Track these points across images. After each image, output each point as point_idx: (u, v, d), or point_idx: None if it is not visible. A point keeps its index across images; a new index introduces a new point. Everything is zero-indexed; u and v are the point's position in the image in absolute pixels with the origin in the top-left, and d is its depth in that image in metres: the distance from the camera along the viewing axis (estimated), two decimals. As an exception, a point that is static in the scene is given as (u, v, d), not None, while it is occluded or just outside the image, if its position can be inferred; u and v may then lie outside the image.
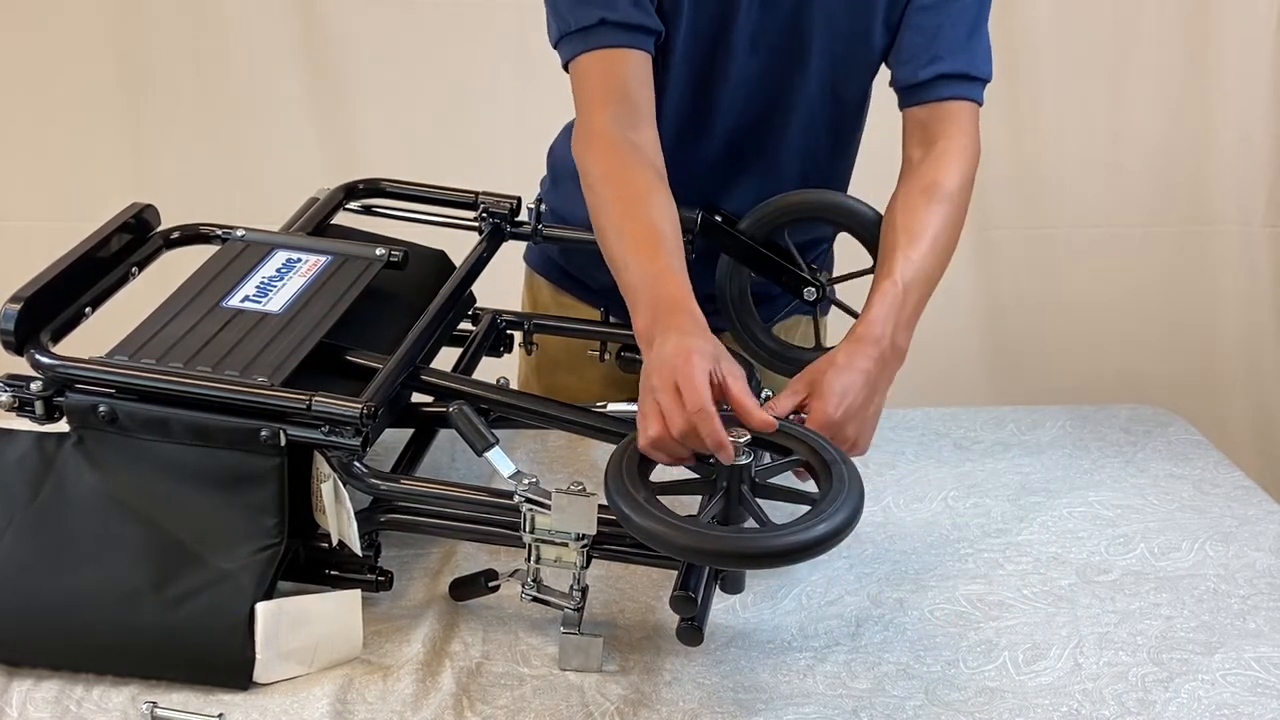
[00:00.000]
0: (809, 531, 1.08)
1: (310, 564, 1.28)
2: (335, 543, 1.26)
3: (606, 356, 1.61)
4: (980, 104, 1.47)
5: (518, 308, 1.76)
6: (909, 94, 1.46)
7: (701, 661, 1.23)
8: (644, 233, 1.29)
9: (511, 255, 1.76)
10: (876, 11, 1.44)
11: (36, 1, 2.44)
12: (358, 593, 1.23)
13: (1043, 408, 1.75)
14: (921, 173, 1.42)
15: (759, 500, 1.17)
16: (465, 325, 1.57)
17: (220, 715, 1.14)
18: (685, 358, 1.15)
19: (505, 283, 1.77)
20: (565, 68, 1.42)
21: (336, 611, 1.22)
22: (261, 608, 1.17)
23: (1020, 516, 1.48)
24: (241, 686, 1.17)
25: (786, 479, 1.23)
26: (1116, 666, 1.23)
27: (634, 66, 1.39)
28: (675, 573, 1.18)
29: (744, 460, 1.14)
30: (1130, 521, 1.48)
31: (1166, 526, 1.47)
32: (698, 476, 1.19)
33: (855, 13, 1.44)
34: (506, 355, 1.64)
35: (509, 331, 1.60)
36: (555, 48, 1.43)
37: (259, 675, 1.18)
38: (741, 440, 1.14)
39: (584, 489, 1.16)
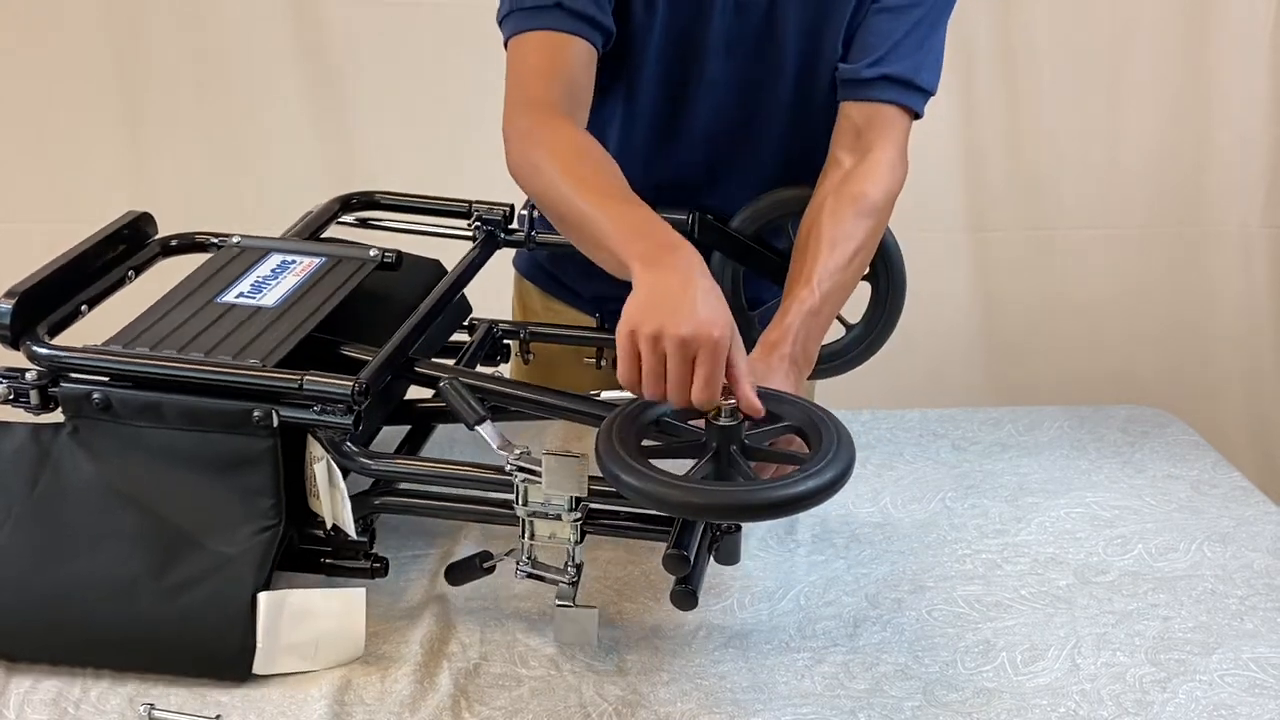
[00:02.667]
0: (801, 484, 1.07)
1: (306, 552, 1.29)
2: (329, 528, 1.27)
3: (603, 363, 1.62)
4: (919, 115, 1.45)
5: (510, 316, 1.76)
6: (849, 87, 1.45)
7: (699, 662, 1.23)
8: (607, 184, 1.27)
9: (506, 267, 1.76)
10: (843, 14, 1.44)
11: (36, 4, 2.45)
12: (362, 592, 1.22)
13: (1040, 408, 1.75)
14: (852, 181, 1.41)
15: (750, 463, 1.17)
16: (460, 336, 1.56)
17: (218, 717, 1.14)
18: (714, 341, 1.10)
19: (499, 292, 1.77)
20: (506, 43, 1.40)
21: (340, 609, 1.22)
22: (263, 597, 1.18)
23: (1018, 517, 1.48)
24: (241, 677, 1.18)
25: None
26: (1114, 667, 1.23)
27: (579, 55, 1.37)
28: (672, 574, 1.18)
29: (733, 422, 1.14)
30: (1128, 522, 1.48)
31: (1164, 527, 1.47)
32: (688, 441, 1.19)
33: (824, 16, 1.44)
34: (502, 365, 1.64)
35: (504, 341, 1.61)
36: (501, 22, 1.41)
37: (259, 667, 1.18)
38: (729, 403, 1.14)
39: (571, 451, 1.16)
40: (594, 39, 1.38)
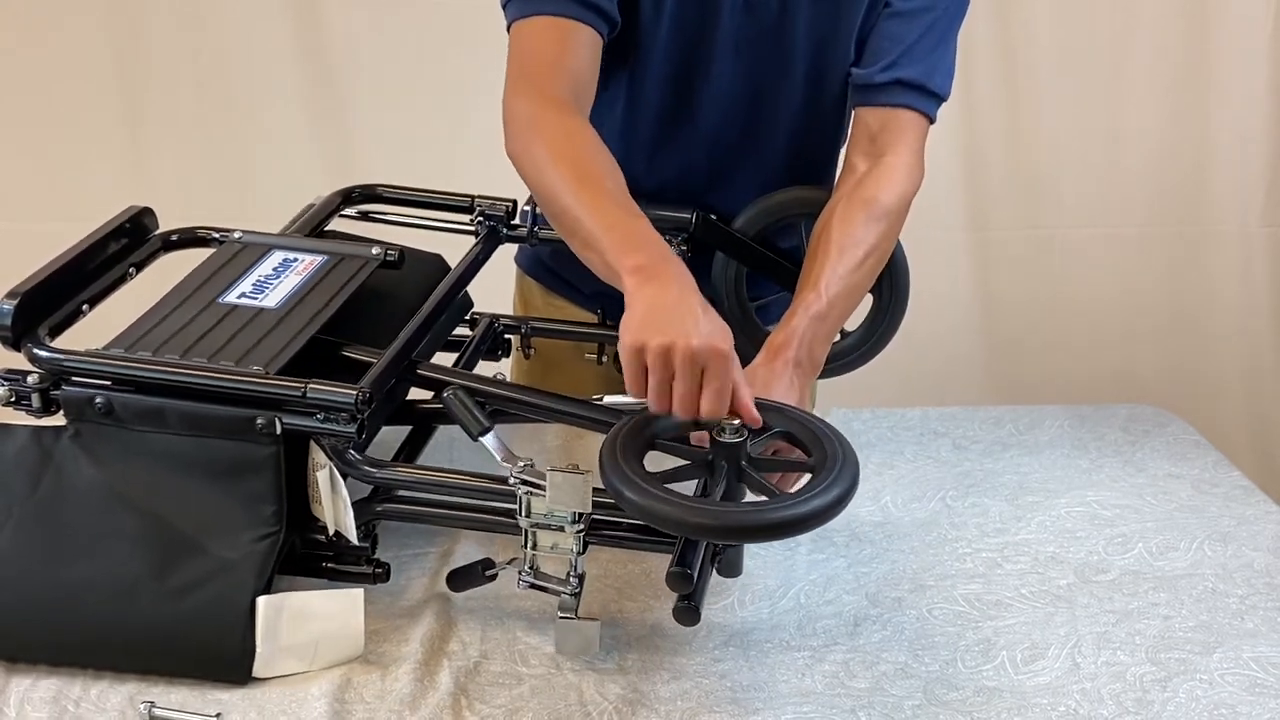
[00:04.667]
0: (808, 504, 1.08)
1: (307, 557, 1.29)
2: (331, 533, 1.27)
3: (604, 359, 1.61)
4: (933, 120, 1.46)
5: (511, 312, 1.76)
6: (863, 93, 1.45)
7: (699, 660, 1.23)
8: (604, 185, 1.26)
9: (507, 263, 1.76)
10: (855, 19, 1.44)
11: (36, 4, 2.44)
12: (360, 592, 1.22)
13: (1041, 407, 1.75)
14: (865, 186, 1.42)
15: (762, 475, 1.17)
16: (462, 330, 1.56)
17: (218, 715, 1.14)
18: (722, 356, 1.11)
19: (501, 288, 1.77)
20: (509, 27, 1.39)
21: (339, 610, 1.22)
22: (262, 601, 1.18)
23: (1018, 516, 1.48)
24: (241, 680, 1.18)
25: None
26: (1115, 666, 1.23)
27: (585, 43, 1.36)
28: (676, 591, 1.18)
29: (739, 439, 1.15)
30: (1128, 521, 1.48)
31: (1165, 526, 1.47)
32: (693, 462, 1.19)
33: (836, 20, 1.44)
34: (504, 360, 1.64)
35: (506, 336, 1.60)
36: (505, 5, 1.40)
37: (259, 670, 1.18)
38: (733, 421, 1.14)
39: (578, 468, 1.16)
40: (600, 28, 1.37)
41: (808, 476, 1.14)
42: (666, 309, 1.12)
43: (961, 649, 1.26)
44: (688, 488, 1.19)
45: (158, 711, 1.14)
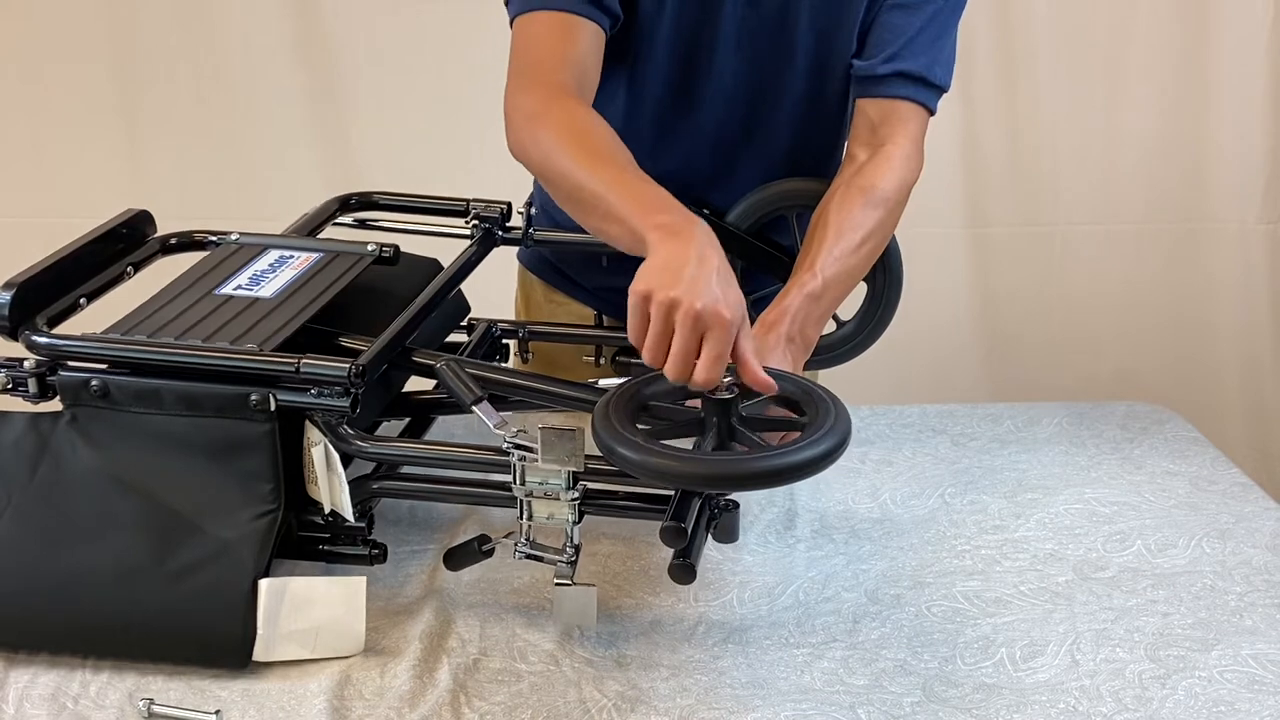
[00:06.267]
0: (799, 453, 1.08)
1: (304, 539, 1.29)
2: (328, 514, 1.27)
3: (601, 361, 1.61)
4: (933, 112, 1.47)
5: (512, 315, 1.76)
6: (864, 84, 1.46)
7: (699, 658, 1.23)
8: (620, 160, 1.25)
9: (507, 267, 1.76)
10: (858, 11, 1.44)
11: (36, 1, 2.44)
12: (363, 580, 1.22)
13: (1040, 404, 1.75)
14: (864, 174, 1.42)
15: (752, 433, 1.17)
16: (460, 336, 1.56)
17: (217, 712, 1.14)
18: (726, 323, 1.09)
19: (502, 293, 1.77)
20: (512, 22, 1.39)
21: (341, 597, 1.21)
22: (264, 584, 1.18)
23: (1017, 513, 1.48)
24: (241, 663, 1.18)
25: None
26: (1114, 663, 1.23)
27: (588, 37, 1.37)
28: (670, 546, 1.17)
29: (730, 396, 1.15)
30: (1127, 518, 1.48)
31: (1163, 523, 1.47)
32: (684, 420, 1.19)
33: (839, 13, 1.44)
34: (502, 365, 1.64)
35: (504, 340, 1.61)
36: (507, 2, 1.40)
37: (259, 654, 1.18)
38: (726, 380, 1.14)
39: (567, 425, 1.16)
40: (602, 22, 1.38)
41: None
42: (684, 265, 1.11)
43: (960, 646, 1.25)
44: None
45: (157, 708, 1.14)
